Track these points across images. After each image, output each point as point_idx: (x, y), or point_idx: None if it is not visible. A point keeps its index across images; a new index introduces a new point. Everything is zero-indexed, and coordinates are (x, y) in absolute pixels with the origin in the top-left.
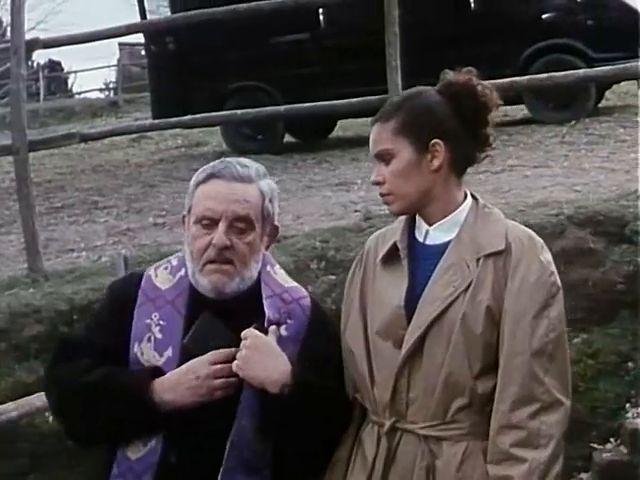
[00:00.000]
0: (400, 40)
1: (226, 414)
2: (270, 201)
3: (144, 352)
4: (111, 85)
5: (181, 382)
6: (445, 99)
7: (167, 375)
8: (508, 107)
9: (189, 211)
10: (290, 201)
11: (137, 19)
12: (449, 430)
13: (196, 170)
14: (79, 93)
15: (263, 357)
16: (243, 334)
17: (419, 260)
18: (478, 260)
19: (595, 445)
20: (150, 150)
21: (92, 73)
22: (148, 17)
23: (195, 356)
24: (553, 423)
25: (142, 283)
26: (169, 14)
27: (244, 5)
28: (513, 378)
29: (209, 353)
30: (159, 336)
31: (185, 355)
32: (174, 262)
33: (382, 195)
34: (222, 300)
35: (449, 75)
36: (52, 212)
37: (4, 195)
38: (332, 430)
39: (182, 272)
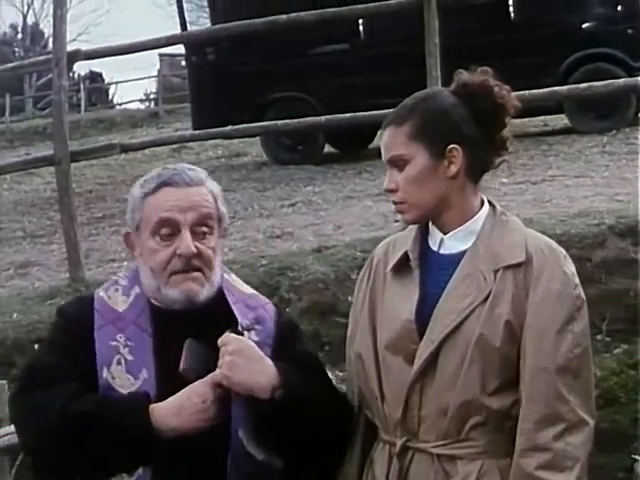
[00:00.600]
0: (440, 50)
1: (215, 432)
2: (220, 202)
3: (115, 376)
4: (151, 96)
5: (185, 407)
6: (461, 101)
7: (168, 400)
8: (548, 117)
9: (137, 227)
10: (330, 211)
11: (177, 30)
12: (463, 448)
13: (237, 180)
14: (120, 104)
15: (248, 362)
16: (222, 340)
17: (432, 270)
18: (496, 272)
19: (637, 457)
20: (190, 160)
21: (133, 84)
22: (189, 28)
23: (187, 381)
24: (578, 444)
25: (95, 305)
26: (209, 25)
27: (284, 16)
28: (537, 396)
29: (209, 375)
30: (130, 358)
31: (164, 377)
32: (123, 282)
33: (395, 203)
34: (189, 311)
35: (464, 75)
36: (93, 222)
37: (46, 205)
38: (332, 425)
39: (137, 290)
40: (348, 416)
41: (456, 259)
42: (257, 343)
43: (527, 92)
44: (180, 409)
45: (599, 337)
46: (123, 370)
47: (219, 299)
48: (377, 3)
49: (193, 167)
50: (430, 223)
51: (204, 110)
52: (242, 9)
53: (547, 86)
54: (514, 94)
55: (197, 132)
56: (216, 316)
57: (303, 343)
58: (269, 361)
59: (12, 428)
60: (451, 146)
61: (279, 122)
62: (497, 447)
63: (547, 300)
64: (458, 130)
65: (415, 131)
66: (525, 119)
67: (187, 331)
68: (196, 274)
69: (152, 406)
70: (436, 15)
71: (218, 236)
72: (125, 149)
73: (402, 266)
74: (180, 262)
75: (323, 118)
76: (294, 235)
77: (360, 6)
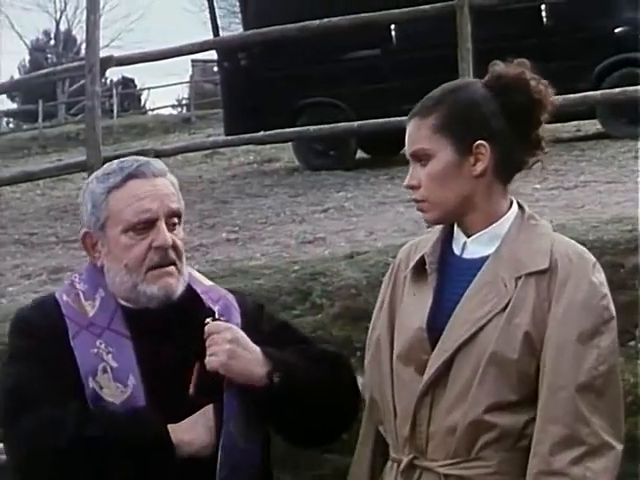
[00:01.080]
0: (473, 55)
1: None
2: (178, 190)
3: (103, 385)
4: (183, 101)
5: (198, 422)
6: (493, 94)
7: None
8: (581, 122)
9: (102, 225)
10: (363, 217)
11: (208, 36)
12: (473, 469)
13: (269, 185)
14: (152, 109)
15: (244, 349)
16: (211, 328)
17: (452, 276)
18: (518, 279)
19: None
20: (222, 166)
21: (165, 90)
22: (221, 34)
23: (175, 383)
24: (600, 470)
25: (63, 310)
26: (241, 31)
27: (317, 21)
28: (555, 416)
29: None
30: (114, 364)
31: (151, 381)
32: (81, 287)
33: (416, 201)
34: (161, 309)
35: (499, 67)
36: None
37: (78, 211)
38: (336, 387)
39: (102, 293)
40: (339, 378)
41: (478, 264)
42: None
43: (560, 97)
44: (193, 423)
45: (632, 344)
46: (110, 379)
47: (187, 293)
48: (410, 8)
49: (152, 159)
50: (455, 225)
51: (236, 116)
52: (274, 14)
53: (580, 91)
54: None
55: (230, 138)
56: (188, 311)
57: (273, 320)
58: (255, 346)
59: None
60: (478, 142)
61: (312, 128)
62: (510, 468)
63: (570, 311)
64: (487, 125)
65: (441, 124)
66: (558, 124)
67: (163, 329)
68: (171, 268)
69: (171, 429)
70: (469, 20)
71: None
72: (158, 155)
73: (420, 270)
74: (157, 255)
75: (356, 124)
76: (326, 241)
77: (393, 11)
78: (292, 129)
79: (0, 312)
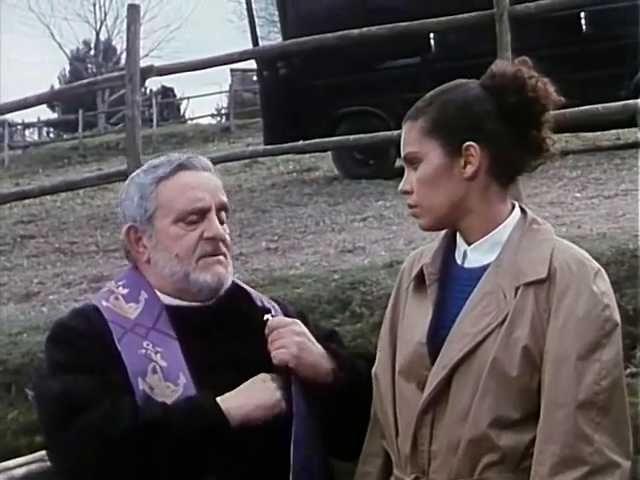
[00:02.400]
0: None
1: (275, 427)
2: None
3: (154, 386)
4: (223, 111)
5: (251, 396)
6: (488, 94)
7: (232, 393)
8: (621, 130)
9: (150, 216)
10: (402, 226)
11: (247, 44)
12: None
13: (308, 194)
14: (191, 119)
15: (311, 343)
16: (276, 322)
17: (453, 287)
18: (517, 289)
19: None
20: (262, 175)
21: (204, 99)
22: (260, 43)
23: (225, 379)
24: None
25: (105, 315)
26: (280, 40)
27: (356, 30)
28: (554, 435)
29: (275, 358)
30: (164, 364)
31: (201, 379)
32: (123, 291)
33: (410, 207)
34: (207, 307)
35: (496, 66)
36: None
37: (118, 220)
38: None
39: (144, 295)
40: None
41: (478, 274)
42: None
43: (600, 106)
44: (247, 398)
45: None
46: (161, 378)
47: (233, 291)
48: (449, 17)
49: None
50: (458, 233)
51: (276, 125)
52: (314, 23)
53: (620, 99)
54: (587, 108)
55: (269, 147)
56: (235, 309)
57: (319, 328)
58: (317, 342)
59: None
60: (468, 143)
61: (351, 137)
62: None
63: (569, 324)
64: (478, 126)
65: (430, 126)
66: (598, 132)
67: (209, 327)
68: (222, 258)
69: (219, 399)
70: (508, 29)
71: None
72: None
73: (421, 281)
74: (209, 245)
75: (395, 132)
76: (366, 250)
77: (432, 20)
78: (331, 138)
79: (41, 320)
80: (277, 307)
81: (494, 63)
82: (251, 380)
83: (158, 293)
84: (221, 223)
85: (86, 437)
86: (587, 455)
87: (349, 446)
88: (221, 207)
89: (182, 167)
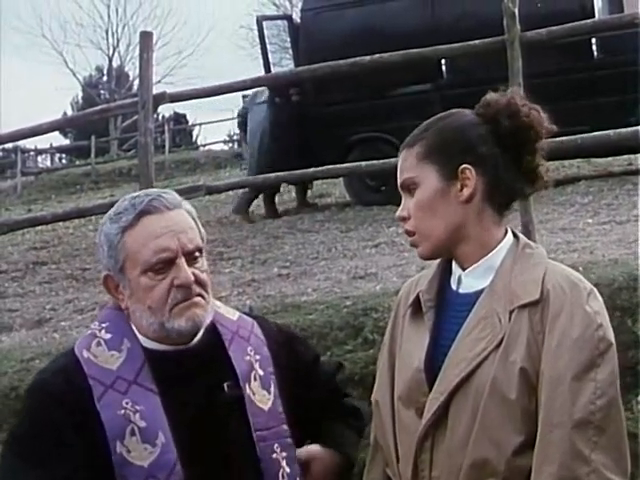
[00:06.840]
0: (524, 90)
1: None
2: (198, 221)
3: (131, 449)
4: (235, 137)
5: None
6: (481, 120)
7: None
8: (632, 156)
9: (121, 267)
10: (414, 252)
11: (259, 71)
12: None
13: (320, 221)
14: (203, 145)
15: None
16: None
17: (448, 312)
18: (512, 312)
19: None
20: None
21: (216, 125)
22: (272, 70)
23: (205, 436)
24: None
25: (86, 370)
26: (292, 66)
27: (368, 57)
28: (551, 455)
29: None
30: (143, 425)
31: (181, 436)
32: (105, 336)
33: (407, 234)
34: (186, 357)
35: (490, 96)
36: None
37: None
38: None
39: (127, 344)
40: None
41: (473, 299)
42: (263, 376)
43: (611, 131)
44: None
45: None
46: (139, 440)
47: (211, 336)
48: (460, 44)
49: (164, 190)
50: (453, 259)
51: (287, 151)
52: (325, 50)
53: (631, 125)
54: (598, 133)
55: (282, 174)
56: (212, 361)
57: (307, 351)
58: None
59: None
60: (463, 166)
61: (363, 163)
62: None
63: (563, 345)
64: (473, 149)
65: (425, 151)
66: (609, 158)
67: (189, 373)
68: (198, 299)
69: None
70: (520, 55)
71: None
72: (211, 191)
73: (417, 308)
74: (180, 293)
75: None
76: (378, 276)
77: (444, 47)
78: (344, 165)
79: (53, 346)
80: (258, 340)
81: (488, 94)
82: None
83: (140, 337)
84: (195, 260)
85: None
86: (584, 475)
87: None
88: (191, 250)
89: (144, 213)
